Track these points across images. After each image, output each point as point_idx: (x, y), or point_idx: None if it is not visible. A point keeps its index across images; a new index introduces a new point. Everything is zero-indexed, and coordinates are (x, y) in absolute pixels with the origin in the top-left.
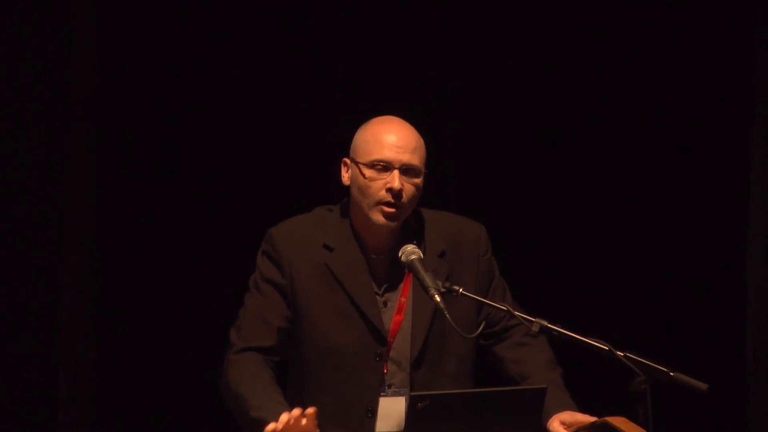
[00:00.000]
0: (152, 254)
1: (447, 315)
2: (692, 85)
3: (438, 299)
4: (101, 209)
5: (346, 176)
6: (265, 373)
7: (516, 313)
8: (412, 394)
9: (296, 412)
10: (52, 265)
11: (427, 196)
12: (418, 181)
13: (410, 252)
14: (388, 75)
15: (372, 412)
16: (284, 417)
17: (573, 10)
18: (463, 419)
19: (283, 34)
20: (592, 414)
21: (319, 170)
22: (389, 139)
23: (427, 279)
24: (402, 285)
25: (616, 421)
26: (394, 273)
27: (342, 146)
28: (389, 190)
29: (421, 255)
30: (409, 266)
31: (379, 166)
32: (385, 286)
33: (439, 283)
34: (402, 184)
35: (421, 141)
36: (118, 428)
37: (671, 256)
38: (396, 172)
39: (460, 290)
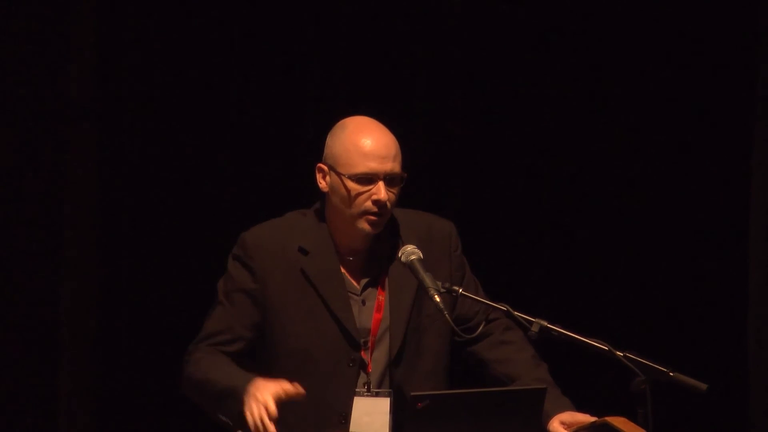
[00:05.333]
0: (152, 253)
1: (447, 316)
2: (692, 82)
3: (438, 299)
4: (101, 209)
5: (323, 183)
6: (226, 358)
7: (516, 313)
8: (412, 394)
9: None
10: (53, 265)
11: (425, 197)
12: (399, 186)
13: (410, 252)
14: (380, 76)
15: (345, 418)
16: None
17: (571, 7)
18: (463, 419)
19: (283, 33)
20: (592, 414)
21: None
22: (371, 149)
23: (427, 279)
24: (379, 282)
25: (616, 421)
26: (370, 271)
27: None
28: (375, 202)
29: (421, 255)
30: (410, 266)
31: (364, 179)
32: (362, 284)
33: (439, 284)
34: (387, 194)
35: (397, 143)
36: (119, 429)
37: (671, 255)
38: (381, 184)
39: (460, 290)
